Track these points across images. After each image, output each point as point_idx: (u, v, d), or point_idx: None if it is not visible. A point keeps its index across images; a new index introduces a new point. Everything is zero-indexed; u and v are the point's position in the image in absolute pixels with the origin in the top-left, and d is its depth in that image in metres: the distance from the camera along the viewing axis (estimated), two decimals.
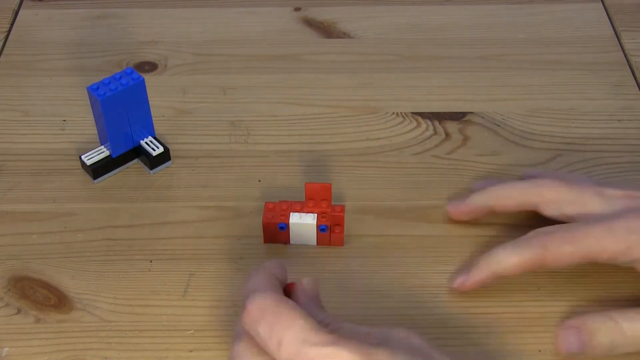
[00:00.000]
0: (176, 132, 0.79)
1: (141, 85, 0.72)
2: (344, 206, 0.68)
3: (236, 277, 0.66)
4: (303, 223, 0.66)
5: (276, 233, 0.67)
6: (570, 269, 0.66)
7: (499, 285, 0.65)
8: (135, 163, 0.76)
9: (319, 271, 0.67)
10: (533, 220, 0.70)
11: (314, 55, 0.88)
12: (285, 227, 0.67)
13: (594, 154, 0.76)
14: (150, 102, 0.74)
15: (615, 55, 0.87)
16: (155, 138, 0.75)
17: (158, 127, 0.79)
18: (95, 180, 0.74)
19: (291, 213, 0.67)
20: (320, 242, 0.68)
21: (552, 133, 0.78)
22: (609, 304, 0.64)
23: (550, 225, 0.63)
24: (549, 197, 0.65)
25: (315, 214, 0.67)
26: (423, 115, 0.81)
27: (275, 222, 0.67)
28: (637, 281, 0.65)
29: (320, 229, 0.67)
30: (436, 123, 0.80)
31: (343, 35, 0.91)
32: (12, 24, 0.93)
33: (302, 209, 0.67)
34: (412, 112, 0.81)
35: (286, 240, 0.68)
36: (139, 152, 0.75)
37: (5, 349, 0.62)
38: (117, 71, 0.85)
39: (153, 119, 0.76)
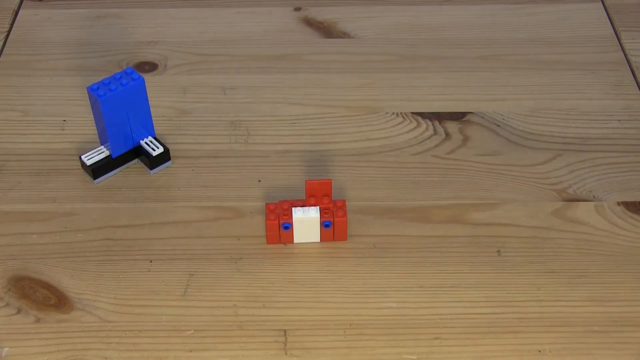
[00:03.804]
0: (176, 132, 0.79)
1: (141, 85, 0.71)
2: (344, 200, 0.68)
3: (236, 277, 0.66)
4: (307, 218, 0.66)
5: (280, 233, 0.67)
6: (570, 268, 0.66)
7: (499, 285, 0.65)
8: (135, 163, 0.76)
9: (319, 271, 0.67)
10: (535, 221, 0.70)
11: (314, 55, 0.88)
12: (289, 226, 0.67)
13: (593, 154, 0.76)
14: (150, 102, 0.74)
15: (615, 55, 0.87)
16: (155, 138, 0.75)
17: (158, 127, 0.79)
18: (95, 180, 0.74)
19: (293, 208, 0.67)
20: (324, 238, 0.68)
21: (552, 133, 0.78)
22: (609, 304, 0.64)
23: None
24: None
25: (319, 207, 0.67)
26: (423, 115, 0.81)
27: (279, 223, 0.67)
28: (637, 281, 0.66)
29: (324, 225, 0.67)
30: (436, 123, 0.80)
31: (343, 35, 0.91)
32: (12, 24, 0.93)
33: (303, 206, 0.67)
34: (412, 112, 0.81)
35: (290, 240, 0.68)
36: (139, 152, 0.75)
37: (5, 348, 0.62)
38: (117, 71, 0.85)
39: (153, 119, 0.76)
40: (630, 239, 0.69)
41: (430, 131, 0.79)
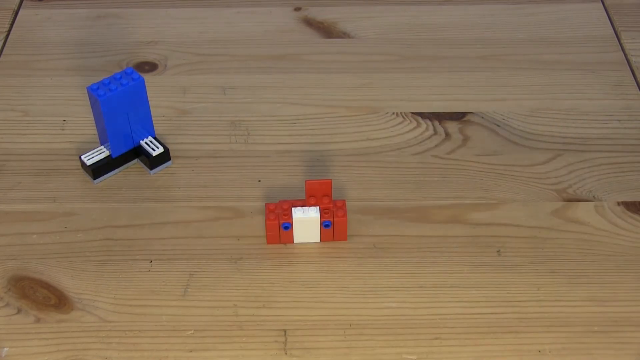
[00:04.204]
0: (176, 132, 0.79)
1: (141, 85, 0.72)
2: (344, 200, 0.68)
3: (236, 277, 0.66)
4: (307, 218, 0.66)
5: (280, 233, 0.67)
6: (570, 268, 0.66)
7: (499, 285, 0.65)
8: (135, 163, 0.76)
9: (319, 271, 0.67)
10: (535, 221, 0.70)
11: (314, 55, 0.88)
12: (289, 226, 0.67)
13: (593, 154, 0.76)
14: (150, 102, 0.74)
15: (615, 55, 0.87)
16: (155, 138, 0.75)
17: (158, 127, 0.79)
18: (95, 180, 0.74)
19: (293, 208, 0.67)
20: (324, 238, 0.68)
21: (552, 133, 0.78)
22: (609, 304, 0.64)
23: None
24: None
25: (319, 207, 0.67)
26: (423, 115, 0.81)
27: (279, 223, 0.67)
28: (637, 281, 0.66)
29: (324, 225, 0.67)
30: (436, 123, 0.80)
31: (343, 35, 0.91)
32: (12, 24, 0.93)
33: (303, 206, 0.67)
34: (412, 112, 0.81)
35: (290, 240, 0.68)
36: (139, 152, 0.75)
37: (5, 349, 0.62)
38: (117, 71, 0.85)
39: (153, 119, 0.76)
40: (630, 239, 0.69)
41: (430, 131, 0.79)
